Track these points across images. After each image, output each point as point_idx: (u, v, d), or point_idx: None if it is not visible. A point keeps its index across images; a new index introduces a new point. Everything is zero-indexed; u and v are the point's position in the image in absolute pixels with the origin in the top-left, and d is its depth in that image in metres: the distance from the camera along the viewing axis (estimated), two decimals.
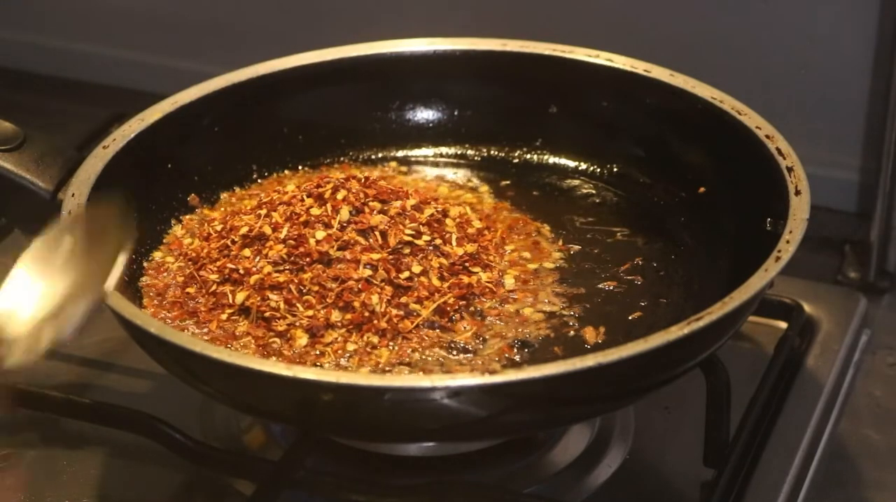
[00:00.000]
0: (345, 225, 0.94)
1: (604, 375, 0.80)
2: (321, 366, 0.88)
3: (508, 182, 1.09)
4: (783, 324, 1.04)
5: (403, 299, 0.91)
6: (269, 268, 0.92)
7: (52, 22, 1.42)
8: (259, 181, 1.08)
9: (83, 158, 0.97)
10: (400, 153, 1.12)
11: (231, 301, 0.92)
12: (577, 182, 1.09)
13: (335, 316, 0.89)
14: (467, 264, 0.95)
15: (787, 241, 0.88)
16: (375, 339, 0.89)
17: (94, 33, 1.41)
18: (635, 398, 0.93)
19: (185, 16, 1.37)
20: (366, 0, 1.31)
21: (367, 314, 0.89)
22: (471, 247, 0.96)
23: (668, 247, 1.01)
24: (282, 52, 1.09)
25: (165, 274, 0.97)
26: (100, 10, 1.40)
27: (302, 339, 0.89)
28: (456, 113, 1.12)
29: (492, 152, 1.12)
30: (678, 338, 0.81)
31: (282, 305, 0.90)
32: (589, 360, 0.79)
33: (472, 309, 0.92)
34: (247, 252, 0.94)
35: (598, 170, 1.09)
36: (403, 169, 1.11)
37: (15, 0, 1.43)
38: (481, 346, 0.90)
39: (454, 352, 0.89)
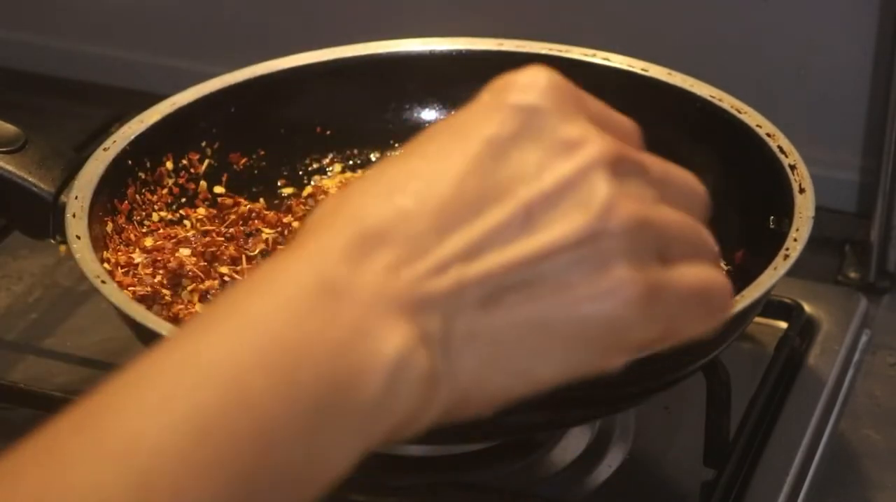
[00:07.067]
0: None
1: (619, 373, 0.80)
2: None
3: None
4: (783, 324, 1.04)
5: None
6: None
7: (52, 22, 1.42)
8: None
9: (84, 160, 0.97)
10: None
11: None
12: None
13: None
14: None
15: (795, 240, 0.88)
16: None
17: (94, 33, 1.41)
18: (642, 398, 0.93)
19: (185, 16, 1.37)
20: (368, 2, 1.31)
21: None
22: None
23: None
24: (282, 52, 1.09)
25: None
26: (100, 10, 1.40)
27: None
28: (451, 113, 1.12)
29: None
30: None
31: None
32: None
33: None
34: None
35: None
36: None
37: (15, 0, 1.43)
38: None
39: None
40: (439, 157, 0.58)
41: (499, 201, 0.57)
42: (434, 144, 0.59)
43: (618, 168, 0.58)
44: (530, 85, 0.63)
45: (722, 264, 0.59)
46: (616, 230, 0.57)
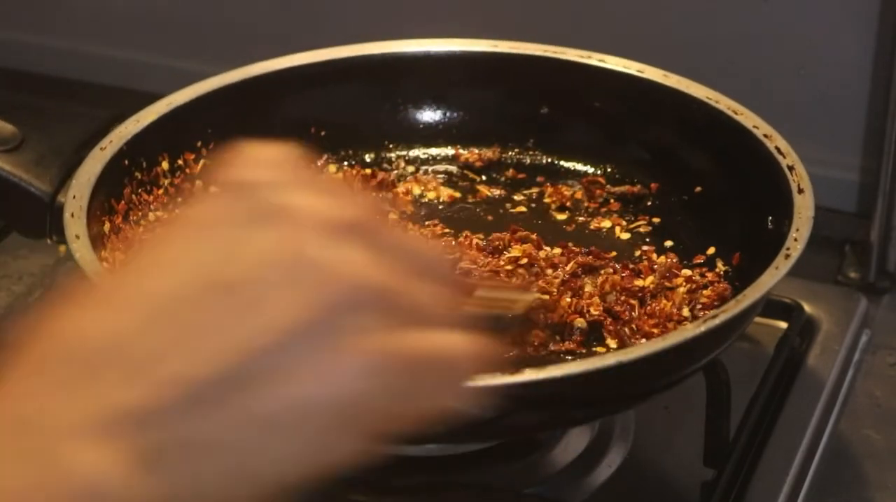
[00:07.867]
0: None
1: (621, 375, 0.81)
2: None
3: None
4: (783, 324, 1.04)
5: None
6: None
7: (52, 22, 1.42)
8: None
9: (81, 160, 0.97)
10: (392, 155, 1.12)
11: None
12: (571, 183, 1.08)
13: None
14: None
15: (795, 239, 0.88)
16: None
17: (94, 33, 1.41)
18: (642, 399, 0.92)
19: (185, 16, 1.37)
20: (366, 3, 1.31)
21: None
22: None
23: (669, 249, 1.00)
24: (280, 52, 1.09)
25: None
26: (100, 11, 1.40)
27: None
28: (447, 114, 1.12)
29: (483, 153, 1.11)
30: (694, 336, 0.82)
31: None
32: (609, 359, 0.80)
33: None
34: None
35: (593, 170, 1.09)
36: (411, 169, 1.10)
37: (15, 0, 1.43)
38: None
39: None
40: (145, 265, 0.54)
41: (203, 290, 0.50)
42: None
43: (329, 231, 0.52)
44: (245, 162, 0.55)
45: (466, 326, 0.52)
46: (330, 302, 0.51)
